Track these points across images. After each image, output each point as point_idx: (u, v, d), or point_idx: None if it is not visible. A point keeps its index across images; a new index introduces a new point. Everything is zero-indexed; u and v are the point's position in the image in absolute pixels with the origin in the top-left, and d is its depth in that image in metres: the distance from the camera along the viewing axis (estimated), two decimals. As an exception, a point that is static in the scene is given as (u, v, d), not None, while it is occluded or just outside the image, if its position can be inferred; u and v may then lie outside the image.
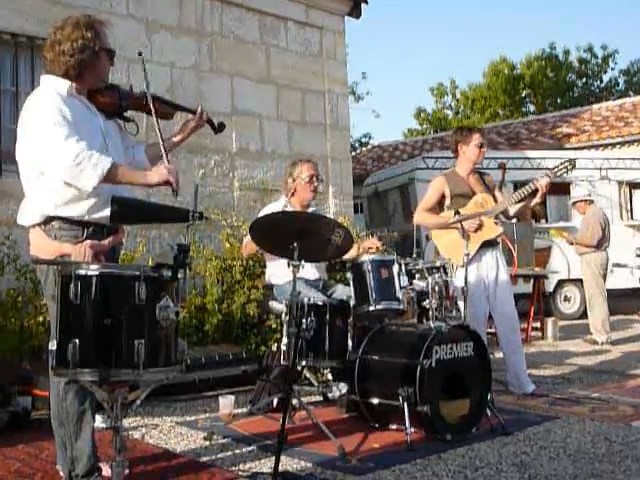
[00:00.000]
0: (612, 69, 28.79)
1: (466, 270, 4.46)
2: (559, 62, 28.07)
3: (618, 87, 28.63)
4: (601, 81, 28.93)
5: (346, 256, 4.66)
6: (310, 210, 4.79)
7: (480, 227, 4.93)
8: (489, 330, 5.68)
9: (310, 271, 4.71)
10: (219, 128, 3.45)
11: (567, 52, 28.23)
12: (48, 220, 2.84)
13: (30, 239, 2.91)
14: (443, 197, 5.13)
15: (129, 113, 3.18)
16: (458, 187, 5.12)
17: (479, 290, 4.97)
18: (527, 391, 5.01)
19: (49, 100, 2.83)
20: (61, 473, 2.96)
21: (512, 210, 5.14)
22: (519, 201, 5.02)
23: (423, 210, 5.19)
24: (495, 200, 5.13)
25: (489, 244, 5.05)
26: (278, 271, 4.66)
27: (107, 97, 3.04)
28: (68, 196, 2.79)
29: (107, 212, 2.84)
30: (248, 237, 4.40)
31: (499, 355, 5.37)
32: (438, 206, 5.16)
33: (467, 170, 5.19)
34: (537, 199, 4.99)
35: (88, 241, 2.82)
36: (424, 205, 5.20)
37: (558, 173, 4.98)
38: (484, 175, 5.32)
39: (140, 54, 3.22)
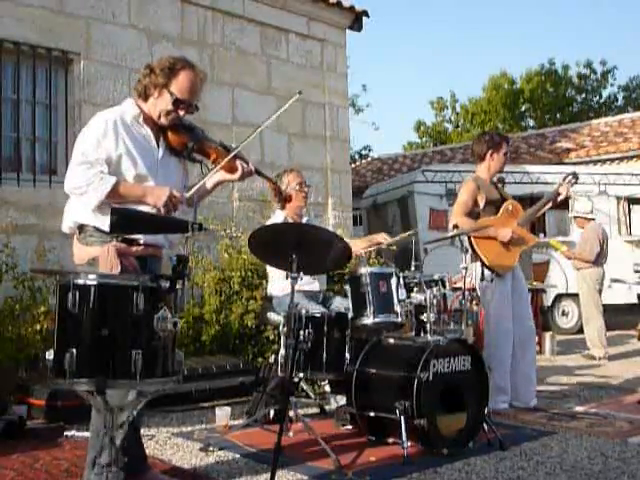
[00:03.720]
0: (611, 85, 28.91)
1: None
2: (558, 77, 28.18)
3: (617, 103, 28.73)
4: (600, 97, 29.03)
5: (359, 250, 4.73)
6: (304, 220, 4.87)
7: (520, 238, 4.98)
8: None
9: (311, 283, 4.72)
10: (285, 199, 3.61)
11: (566, 67, 28.35)
12: (82, 228, 3.00)
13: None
14: (475, 203, 5.04)
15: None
16: (490, 193, 5.08)
17: (509, 303, 4.98)
18: (531, 404, 5.01)
19: (95, 122, 3.02)
20: None
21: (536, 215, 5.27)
22: (543, 207, 5.21)
23: (463, 214, 4.98)
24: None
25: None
26: (277, 283, 4.67)
27: (176, 135, 3.14)
28: (101, 208, 2.93)
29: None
30: None
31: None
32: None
33: (490, 177, 5.17)
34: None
35: (114, 242, 2.91)
36: (463, 209, 4.99)
37: (569, 184, 5.13)
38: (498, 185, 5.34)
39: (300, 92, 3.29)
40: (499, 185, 5.25)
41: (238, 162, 3.21)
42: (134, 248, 2.96)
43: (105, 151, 2.95)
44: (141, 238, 2.98)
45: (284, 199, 3.43)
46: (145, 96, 3.12)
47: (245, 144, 3.21)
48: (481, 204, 5.02)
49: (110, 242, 2.92)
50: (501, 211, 5.03)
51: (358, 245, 4.98)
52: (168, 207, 2.91)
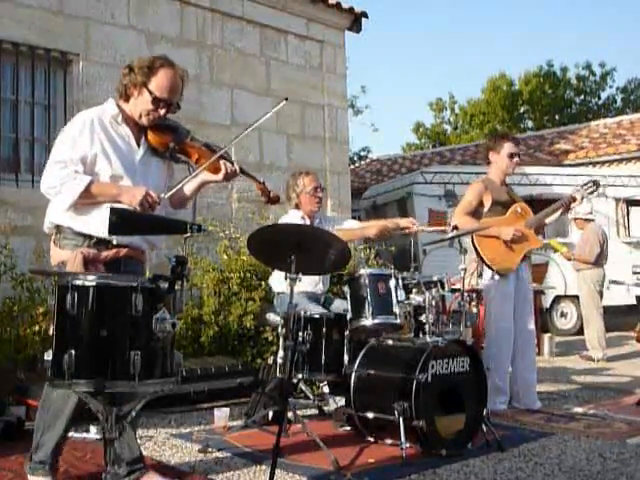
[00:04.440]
0: (610, 87, 28.95)
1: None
2: (557, 79, 28.21)
3: (616, 104, 28.76)
4: (599, 98, 29.06)
5: (370, 234, 4.65)
6: (316, 222, 4.78)
7: (523, 238, 4.92)
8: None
9: (315, 284, 4.69)
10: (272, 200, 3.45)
11: (565, 69, 28.38)
12: (59, 229, 2.99)
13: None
14: (481, 204, 5.01)
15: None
16: (498, 194, 5.02)
17: (511, 304, 4.96)
18: (534, 407, 5.00)
19: (73, 122, 3.03)
20: None
21: (548, 221, 5.15)
22: (554, 212, 5.07)
23: (465, 213, 4.97)
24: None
25: (524, 256, 5.03)
26: (281, 280, 4.65)
27: (157, 136, 3.11)
28: (76, 209, 2.92)
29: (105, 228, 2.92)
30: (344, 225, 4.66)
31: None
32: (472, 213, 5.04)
33: (500, 179, 5.10)
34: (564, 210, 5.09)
35: (82, 248, 2.89)
36: (465, 208, 4.99)
37: (587, 192, 5.03)
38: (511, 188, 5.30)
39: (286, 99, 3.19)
40: (509, 188, 5.20)
41: (222, 162, 3.14)
42: (104, 254, 2.93)
43: (80, 150, 2.92)
44: (114, 240, 2.96)
45: (272, 200, 3.37)
46: (126, 96, 3.09)
47: (229, 147, 3.18)
48: (487, 205, 5.00)
49: (81, 246, 2.91)
50: (509, 212, 5.00)
51: (370, 230, 4.74)
52: (144, 206, 2.86)
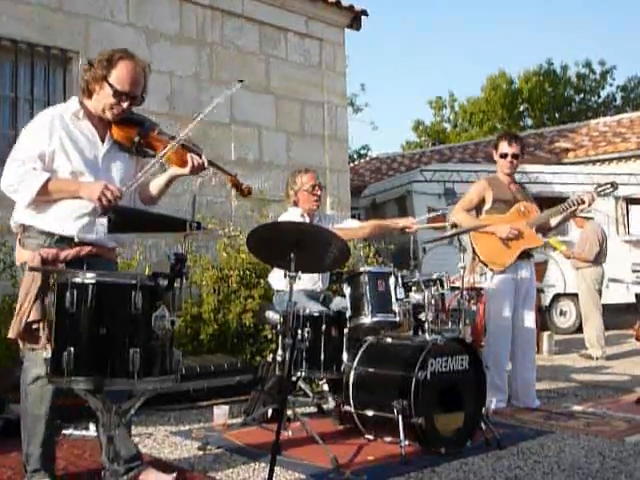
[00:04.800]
0: (610, 85, 28.94)
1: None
2: (557, 77, 28.20)
3: (615, 103, 28.75)
4: (599, 97, 29.05)
5: (369, 234, 4.75)
6: (316, 220, 4.75)
7: (520, 236, 4.90)
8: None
9: (315, 282, 4.69)
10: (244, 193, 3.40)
11: (565, 67, 28.38)
12: (24, 228, 2.95)
13: None
14: (483, 201, 5.02)
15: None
16: (501, 192, 5.01)
17: (509, 302, 4.95)
18: (534, 406, 5.00)
19: (34, 120, 2.99)
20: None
21: (553, 222, 5.13)
22: (560, 214, 5.01)
23: (463, 210, 4.99)
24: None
25: (526, 255, 5.01)
26: (281, 278, 4.66)
27: (121, 130, 3.04)
28: (37, 206, 2.89)
29: (71, 226, 2.91)
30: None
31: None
32: (475, 210, 5.05)
33: (505, 178, 5.08)
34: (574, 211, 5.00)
35: (41, 249, 2.86)
36: (464, 205, 5.02)
37: (602, 193, 4.99)
38: (524, 187, 5.28)
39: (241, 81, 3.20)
40: (520, 187, 5.17)
41: (189, 155, 3.05)
42: (64, 253, 2.87)
43: (38, 148, 2.88)
44: (75, 237, 2.91)
45: (244, 193, 3.33)
46: (88, 92, 3.03)
47: (186, 134, 3.06)
48: (488, 202, 5.00)
49: (43, 245, 2.88)
50: (511, 210, 4.99)
51: (369, 229, 4.78)
52: (102, 201, 2.79)
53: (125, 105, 3.01)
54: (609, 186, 5.05)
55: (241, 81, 3.08)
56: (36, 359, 2.80)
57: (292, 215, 4.69)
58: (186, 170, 3.07)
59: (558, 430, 4.37)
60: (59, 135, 2.92)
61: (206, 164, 3.13)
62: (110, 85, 2.96)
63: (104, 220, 2.86)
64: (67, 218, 2.91)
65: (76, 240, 2.91)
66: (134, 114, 3.12)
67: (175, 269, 2.46)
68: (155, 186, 3.21)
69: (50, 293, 2.64)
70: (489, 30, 50.32)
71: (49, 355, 2.39)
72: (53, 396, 2.99)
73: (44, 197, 2.85)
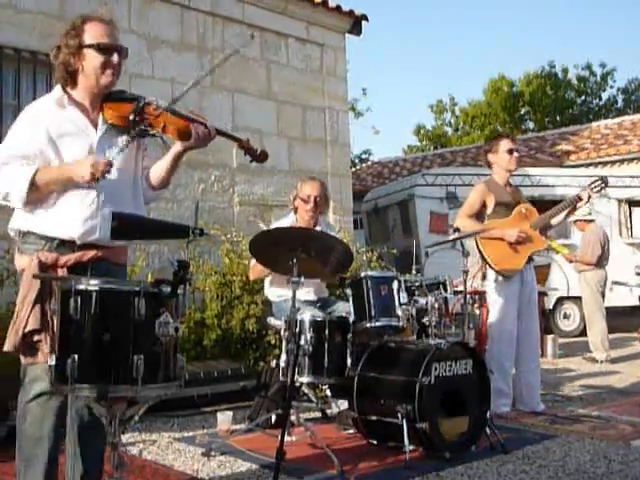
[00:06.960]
0: (611, 87, 28.97)
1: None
2: (558, 80, 28.23)
3: (617, 105, 28.77)
4: (600, 99, 29.08)
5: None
6: (318, 228, 4.66)
7: (528, 239, 4.90)
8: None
9: (306, 292, 4.67)
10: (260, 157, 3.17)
11: (566, 70, 28.40)
12: (22, 234, 2.76)
13: None
14: (484, 205, 5.01)
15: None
16: (501, 196, 5.00)
17: (514, 306, 4.94)
18: (538, 409, 4.99)
19: (20, 116, 2.78)
20: None
21: (554, 221, 5.12)
22: (560, 212, 5.02)
23: (467, 216, 4.98)
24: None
25: (529, 258, 5.01)
26: (275, 289, 4.67)
27: (114, 110, 2.81)
28: (35, 210, 2.71)
29: (72, 228, 2.71)
30: (254, 260, 4.33)
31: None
32: (475, 216, 5.03)
33: (503, 180, 5.07)
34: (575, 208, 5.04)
35: (40, 253, 2.68)
36: (468, 211, 5.00)
37: (595, 190, 5.00)
38: (518, 188, 5.28)
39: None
40: (515, 189, 5.18)
41: (192, 126, 2.81)
42: (64, 258, 2.68)
43: (24, 146, 2.68)
44: (77, 241, 2.70)
45: (259, 157, 3.15)
46: (71, 78, 2.78)
47: (179, 99, 2.85)
48: (490, 206, 4.99)
49: (42, 251, 2.68)
50: (513, 213, 4.98)
51: None
52: (94, 176, 2.57)
53: (115, 59, 2.80)
54: (600, 181, 5.03)
55: (252, 36, 2.89)
56: (37, 374, 2.67)
57: (281, 222, 4.70)
58: (191, 142, 2.84)
59: (563, 434, 4.36)
60: (45, 129, 2.70)
61: (213, 133, 2.90)
62: (90, 46, 2.74)
63: (107, 211, 2.72)
64: (68, 220, 2.71)
65: (78, 243, 2.72)
66: (126, 92, 2.94)
67: (178, 275, 2.46)
68: (162, 167, 2.97)
69: (50, 300, 2.61)
70: (490, 33, 50.44)
71: (53, 362, 2.39)
72: (57, 416, 2.71)
73: (37, 194, 2.65)
